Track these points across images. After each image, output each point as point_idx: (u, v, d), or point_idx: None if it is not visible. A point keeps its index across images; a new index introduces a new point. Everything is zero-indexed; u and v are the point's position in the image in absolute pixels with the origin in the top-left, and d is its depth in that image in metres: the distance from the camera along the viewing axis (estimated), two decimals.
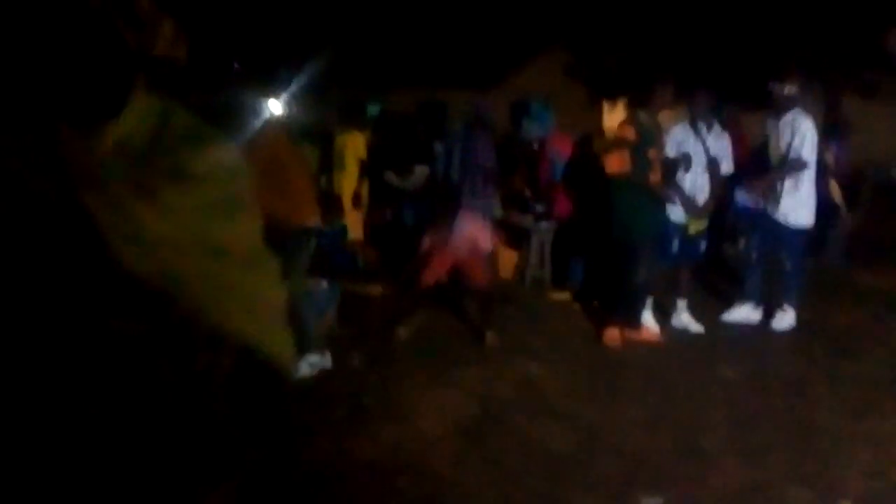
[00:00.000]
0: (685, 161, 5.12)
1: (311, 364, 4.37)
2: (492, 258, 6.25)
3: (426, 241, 5.23)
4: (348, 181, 6.77)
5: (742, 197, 6.24)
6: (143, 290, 1.15)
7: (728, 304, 5.66)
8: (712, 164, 5.22)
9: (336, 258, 5.64)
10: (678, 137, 5.21)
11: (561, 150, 6.76)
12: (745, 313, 5.51)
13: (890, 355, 4.96)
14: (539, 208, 6.83)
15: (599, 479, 3.25)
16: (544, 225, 6.72)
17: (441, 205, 5.36)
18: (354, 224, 6.47)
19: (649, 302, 5.31)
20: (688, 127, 5.26)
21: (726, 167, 5.33)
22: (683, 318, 5.44)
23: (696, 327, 5.40)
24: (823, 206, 5.83)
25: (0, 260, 1.12)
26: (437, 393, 4.18)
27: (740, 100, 7.62)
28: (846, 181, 7.35)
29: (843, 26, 10.85)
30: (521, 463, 3.39)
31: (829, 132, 7.09)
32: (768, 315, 5.42)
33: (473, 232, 5.05)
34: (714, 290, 6.26)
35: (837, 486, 3.25)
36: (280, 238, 3.97)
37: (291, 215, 4.19)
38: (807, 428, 3.83)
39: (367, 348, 4.85)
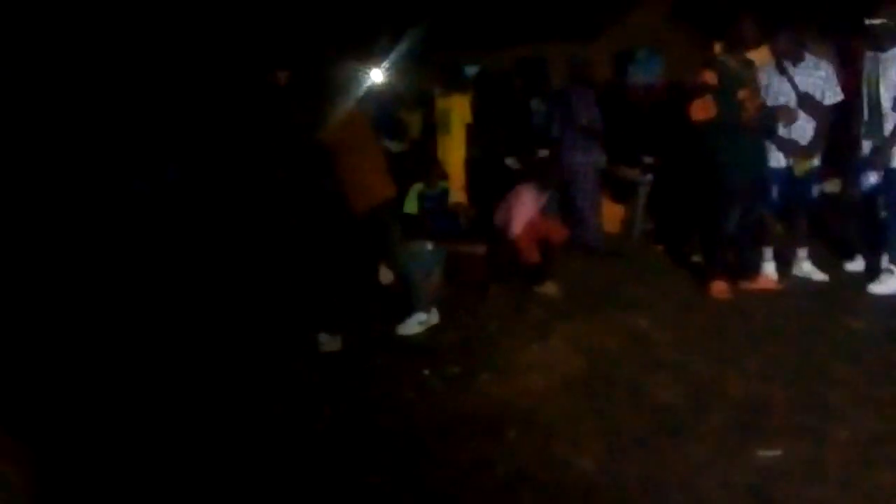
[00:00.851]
0: (782, 114, 4.79)
1: (421, 322, 4.52)
2: (599, 212, 6.18)
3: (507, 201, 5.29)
4: (455, 145, 6.81)
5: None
6: None
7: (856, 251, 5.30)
8: (804, 100, 4.81)
9: (439, 220, 5.73)
10: (764, 81, 4.87)
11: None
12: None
13: None
14: (647, 160, 6.63)
15: (711, 431, 3.18)
16: (651, 177, 6.53)
17: (540, 162, 5.34)
18: (458, 186, 6.51)
19: (768, 251, 5.08)
20: (772, 68, 4.90)
21: (830, 97, 4.84)
22: (805, 266, 5.15)
23: (819, 276, 5.10)
24: None
25: None
26: (544, 348, 4.20)
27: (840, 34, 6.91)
28: None
29: None
30: (630, 415, 3.36)
31: None
32: (871, 274, 5.00)
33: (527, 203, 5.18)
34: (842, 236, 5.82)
35: None
36: (370, 213, 4.19)
37: (374, 191, 4.39)
38: None
39: (474, 305, 4.93)
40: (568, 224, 5.84)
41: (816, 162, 4.95)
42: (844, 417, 3.24)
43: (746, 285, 4.93)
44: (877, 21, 4.60)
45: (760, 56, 4.98)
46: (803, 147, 4.86)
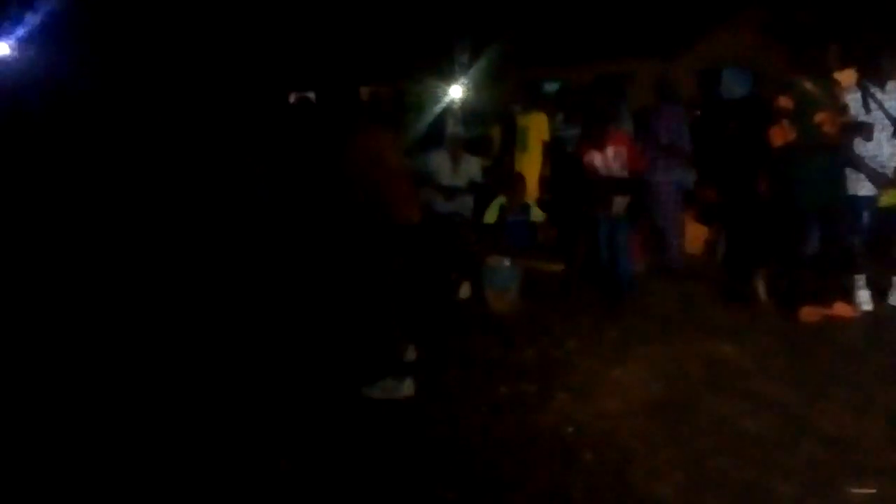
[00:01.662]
0: (861, 130, 4.60)
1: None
2: (681, 232, 6.06)
3: None
4: (531, 162, 6.83)
5: None
6: None
7: None
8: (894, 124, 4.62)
9: (518, 237, 5.75)
10: (850, 105, 4.70)
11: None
12: None
13: None
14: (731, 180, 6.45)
15: (801, 465, 3.05)
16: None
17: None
18: (536, 204, 6.52)
19: (861, 279, 4.87)
20: (857, 92, 4.71)
21: None
22: None
23: None
24: None
25: None
26: (623, 370, 4.14)
27: None
28: None
29: None
30: (712, 444, 3.26)
31: None
32: None
33: None
34: None
35: None
36: (386, 232, 3.96)
37: (395, 211, 4.06)
38: None
39: (551, 324, 4.91)
40: (649, 244, 5.75)
41: None
42: None
43: (829, 312, 4.74)
44: None
45: (846, 78, 4.84)
46: (888, 178, 4.70)
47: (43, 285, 5.69)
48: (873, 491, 2.85)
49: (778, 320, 4.84)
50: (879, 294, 4.97)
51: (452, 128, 8.23)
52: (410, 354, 4.28)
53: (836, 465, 3.04)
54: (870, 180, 4.71)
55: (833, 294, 4.82)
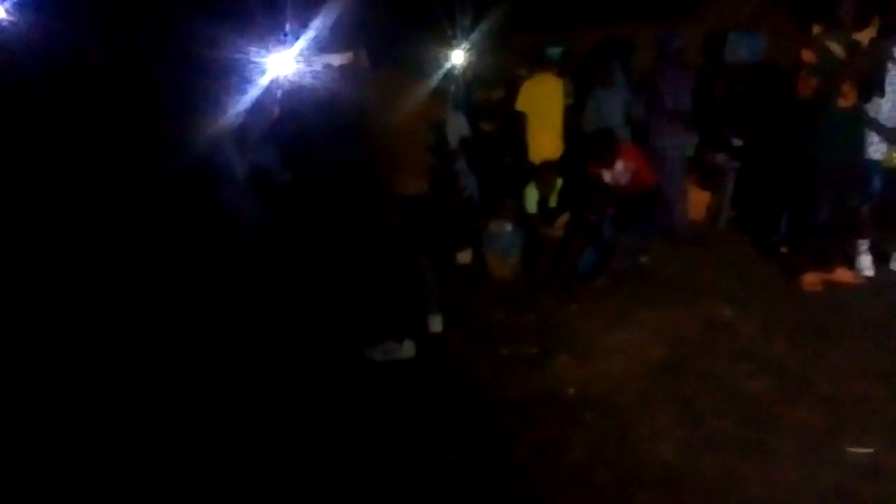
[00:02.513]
0: (875, 86, 4.54)
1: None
2: (684, 197, 6.02)
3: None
4: (546, 129, 6.72)
5: None
6: None
7: None
8: None
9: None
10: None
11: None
12: None
13: None
14: (737, 142, 6.41)
15: (800, 426, 3.08)
16: (738, 164, 6.31)
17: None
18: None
19: (864, 244, 4.86)
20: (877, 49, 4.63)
21: None
22: None
23: None
24: None
25: None
26: (624, 333, 4.16)
27: None
28: None
29: None
30: (712, 405, 3.29)
31: None
32: None
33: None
34: None
35: None
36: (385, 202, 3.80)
37: (401, 181, 3.88)
38: None
39: (553, 288, 4.91)
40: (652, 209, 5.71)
41: None
42: None
43: (830, 277, 4.74)
44: None
45: (866, 37, 4.73)
46: None
47: (45, 271, 5.56)
48: (871, 450, 2.88)
49: (779, 285, 4.84)
50: (881, 259, 4.96)
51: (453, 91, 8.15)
52: (436, 326, 4.21)
53: (835, 426, 3.07)
54: (884, 138, 4.66)
55: (835, 259, 4.81)
